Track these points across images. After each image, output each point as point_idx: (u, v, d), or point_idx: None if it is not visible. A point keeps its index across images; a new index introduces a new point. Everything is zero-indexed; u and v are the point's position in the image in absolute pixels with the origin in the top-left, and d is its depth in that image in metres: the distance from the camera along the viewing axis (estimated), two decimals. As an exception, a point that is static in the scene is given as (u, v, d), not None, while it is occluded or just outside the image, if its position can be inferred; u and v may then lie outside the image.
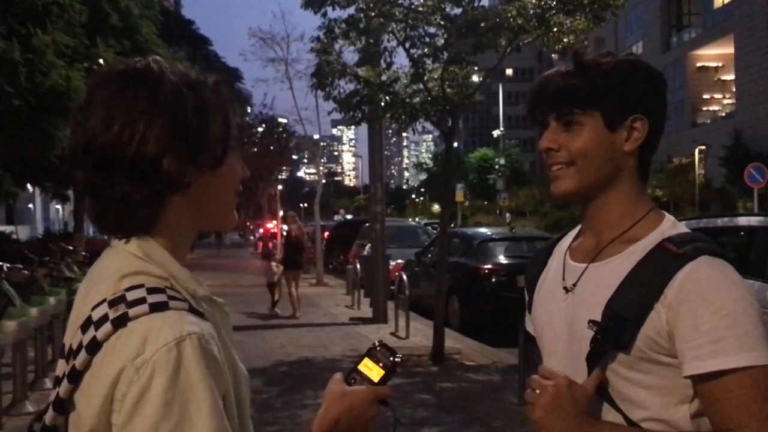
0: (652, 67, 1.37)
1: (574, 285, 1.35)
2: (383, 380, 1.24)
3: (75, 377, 0.98)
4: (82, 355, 0.98)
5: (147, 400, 0.93)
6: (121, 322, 0.97)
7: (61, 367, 1.03)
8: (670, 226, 1.33)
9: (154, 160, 1.00)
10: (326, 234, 22.91)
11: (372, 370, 1.24)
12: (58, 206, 38.95)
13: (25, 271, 8.16)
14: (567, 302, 1.35)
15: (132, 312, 0.97)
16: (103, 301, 0.99)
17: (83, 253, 11.36)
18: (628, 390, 1.25)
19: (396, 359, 1.25)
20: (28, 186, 21.67)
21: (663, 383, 1.24)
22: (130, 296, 0.99)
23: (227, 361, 1.04)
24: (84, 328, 1.00)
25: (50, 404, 1.02)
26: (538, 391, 1.25)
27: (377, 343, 1.28)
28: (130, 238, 1.06)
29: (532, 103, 1.38)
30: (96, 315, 0.99)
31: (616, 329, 1.24)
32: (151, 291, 0.99)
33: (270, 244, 24.08)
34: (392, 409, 1.25)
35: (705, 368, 1.18)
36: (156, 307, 0.98)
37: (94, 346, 0.97)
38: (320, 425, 1.18)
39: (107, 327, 0.97)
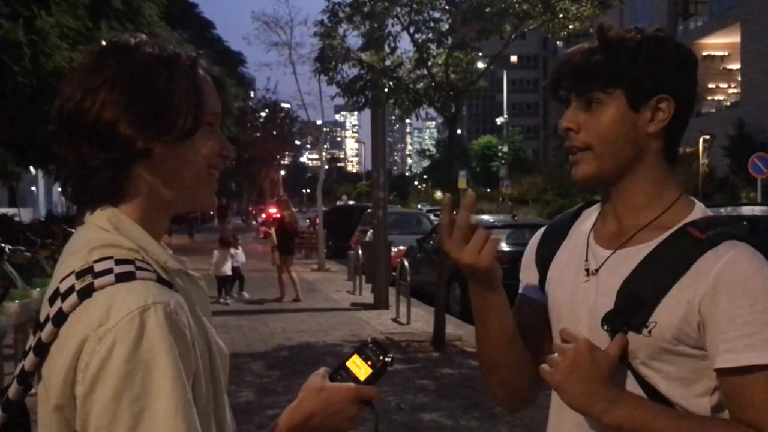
0: (681, 44, 1.29)
1: (597, 270, 1.29)
2: (370, 379, 1.18)
3: (41, 350, 0.98)
4: (48, 326, 0.97)
5: (108, 370, 0.91)
6: (86, 293, 0.96)
7: (30, 341, 1.02)
8: (701, 213, 1.27)
9: (111, 124, 1.01)
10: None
11: (360, 368, 1.19)
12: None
13: (28, 253, 8.19)
14: (588, 285, 1.29)
15: (98, 282, 0.96)
16: (72, 273, 0.99)
17: (85, 236, 11.37)
18: (652, 380, 1.21)
19: (386, 359, 1.19)
20: (31, 168, 21.67)
21: (686, 374, 1.20)
22: (98, 267, 0.98)
23: (202, 337, 1.03)
24: (51, 300, 0.99)
25: (14, 378, 1.02)
26: (557, 355, 1.20)
27: (370, 340, 1.23)
28: (94, 207, 1.05)
29: (554, 80, 1.31)
30: (63, 287, 0.98)
31: (629, 310, 1.20)
32: (119, 262, 0.98)
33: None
34: (375, 411, 1.19)
35: (738, 362, 1.13)
36: (122, 277, 0.96)
37: (60, 318, 0.96)
38: (290, 418, 1.15)
39: (73, 298, 0.96)
